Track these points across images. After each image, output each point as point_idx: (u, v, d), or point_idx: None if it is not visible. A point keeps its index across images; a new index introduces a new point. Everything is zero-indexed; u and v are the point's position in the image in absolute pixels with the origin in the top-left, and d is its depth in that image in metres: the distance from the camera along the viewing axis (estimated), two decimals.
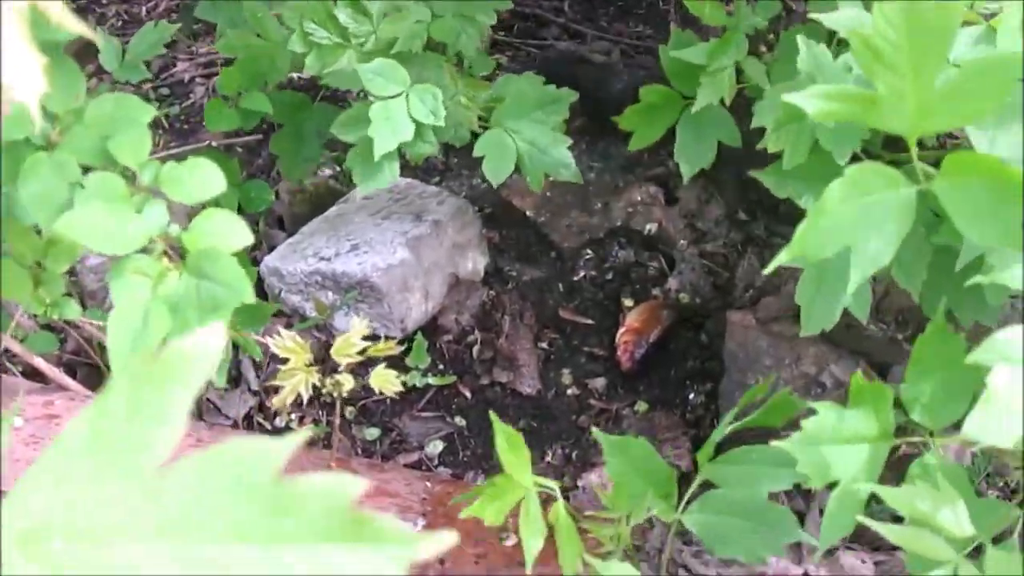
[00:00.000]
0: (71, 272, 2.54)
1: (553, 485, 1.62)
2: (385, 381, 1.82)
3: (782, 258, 1.13)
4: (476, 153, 2.27)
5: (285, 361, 1.80)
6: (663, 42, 2.18)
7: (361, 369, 2.09)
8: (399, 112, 2.10)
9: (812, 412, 1.40)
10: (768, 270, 1.16)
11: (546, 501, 1.65)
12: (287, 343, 1.76)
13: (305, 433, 0.59)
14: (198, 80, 3.52)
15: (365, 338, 1.85)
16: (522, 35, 3.57)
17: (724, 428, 1.69)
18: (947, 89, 1.06)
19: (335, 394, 1.83)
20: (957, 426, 1.19)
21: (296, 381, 1.77)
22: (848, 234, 1.12)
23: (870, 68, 1.07)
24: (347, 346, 1.78)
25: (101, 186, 1.32)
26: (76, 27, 0.76)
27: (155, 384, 0.57)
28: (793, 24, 2.24)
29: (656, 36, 3.59)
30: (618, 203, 2.86)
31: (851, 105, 1.14)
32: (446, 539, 0.57)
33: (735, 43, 1.98)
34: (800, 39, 1.63)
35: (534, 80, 2.40)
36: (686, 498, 1.64)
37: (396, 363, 2.59)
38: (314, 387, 1.82)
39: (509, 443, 1.59)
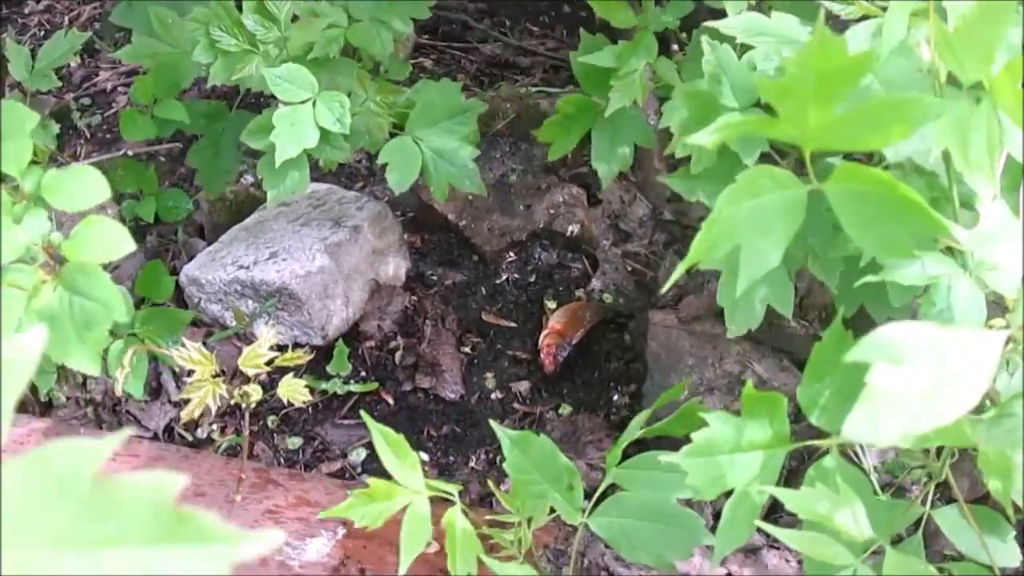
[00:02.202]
0: None
1: (452, 489, 1.60)
2: (293, 391, 1.80)
3: (682, 267, 1.12)
4: (380, 160, 2.25)
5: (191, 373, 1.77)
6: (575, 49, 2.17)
7: (279, 377, 2.07)
8: (305, 119, 2.08)
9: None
10: (670, 282, 1.15)
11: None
12: (192, 354, 1.73)
13: (124, 433, 0.57)
14: (120, 89, 3.48)
15: (279, 347, 1.83)
16: (447, 38, 3.55)
17: (632, 433, 1.67)
18: (844, 118, 1.06)
19: (243, 405, 1.80)
20: None
21: (203, 393, 1.74)
22: (738, 236, 1.11)
23: (774, 97, 1.07)
24: (254, 357, 1.75)
25: None
26: None
27: None
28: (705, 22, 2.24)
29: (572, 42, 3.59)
30: (541, 205, 2.85)
31: (753, 127, 1.13)
32: (272, 538, 0.55)
33: (644, 44, 1.97)
34: (704, 40, 1.62)
35: (449, 87, 2.38)
36: (593, 500, 1.62)
37: (317, 370, 2.57)
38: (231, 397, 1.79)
39: (390, 444, 1.55)
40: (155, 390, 2.54)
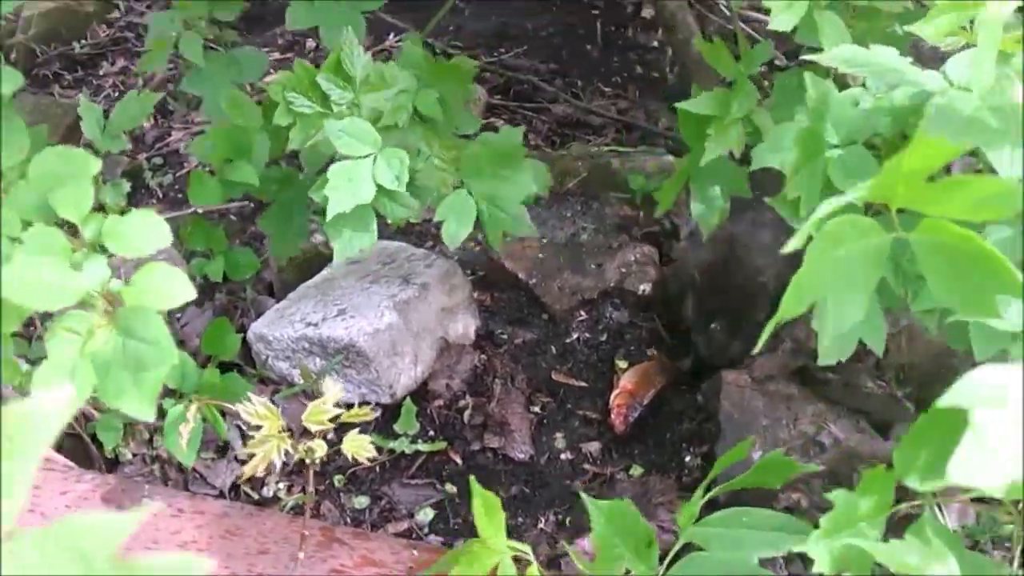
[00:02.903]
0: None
1: (527, 549, 1.56)
2: (358, 447, 1.77)
3: (771, 325, 1.08)
4: (437, 217, 2.22)
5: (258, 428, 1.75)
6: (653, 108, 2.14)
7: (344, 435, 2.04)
8: (362, 174, 2.06)
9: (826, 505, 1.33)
10: (760, 342, 1.11)
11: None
12: (258, 409, 1.71)
13: (154, 507, 0.54)
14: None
15: (347, 405, 1.80)
16: (518, 99, 3.55)
17: (704, 489, 1.62)
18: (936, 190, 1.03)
19: (307, 461, 1.77)
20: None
21: (268, 448, 1.71)
22: (823, 287, 1.08)
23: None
24: (319, 412, 1.72)
25: (39, 240, 1.28)
26: None
27: None
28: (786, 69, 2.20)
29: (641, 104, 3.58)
30: (612, 264, 2.82)
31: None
32: None
33: (744, 90, 1.91)
34: (808, 76, 1.59)
35: (511, 134, 2.34)
36: (667, 560, 1.57)
37: (384, 429, 2.54)
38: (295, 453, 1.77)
39: (486, 507, 1.53)
40: (221, 448, 2.53)
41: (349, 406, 2.50)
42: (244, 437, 2.53)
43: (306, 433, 1.85)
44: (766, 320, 1.01)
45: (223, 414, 2.23)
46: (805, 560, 2.17)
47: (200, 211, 2.61)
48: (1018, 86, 1.31)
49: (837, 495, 1.30)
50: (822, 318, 1.12)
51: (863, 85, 1.62)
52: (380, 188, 2.07)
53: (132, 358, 1.15)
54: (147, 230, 1.33)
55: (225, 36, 2.72)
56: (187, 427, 1.92)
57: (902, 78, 1.42)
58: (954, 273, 1.03)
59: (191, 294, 1.22)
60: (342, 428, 1.84)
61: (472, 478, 1.61)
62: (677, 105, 1.98)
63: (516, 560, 1.57)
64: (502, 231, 2.26)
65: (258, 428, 1.77)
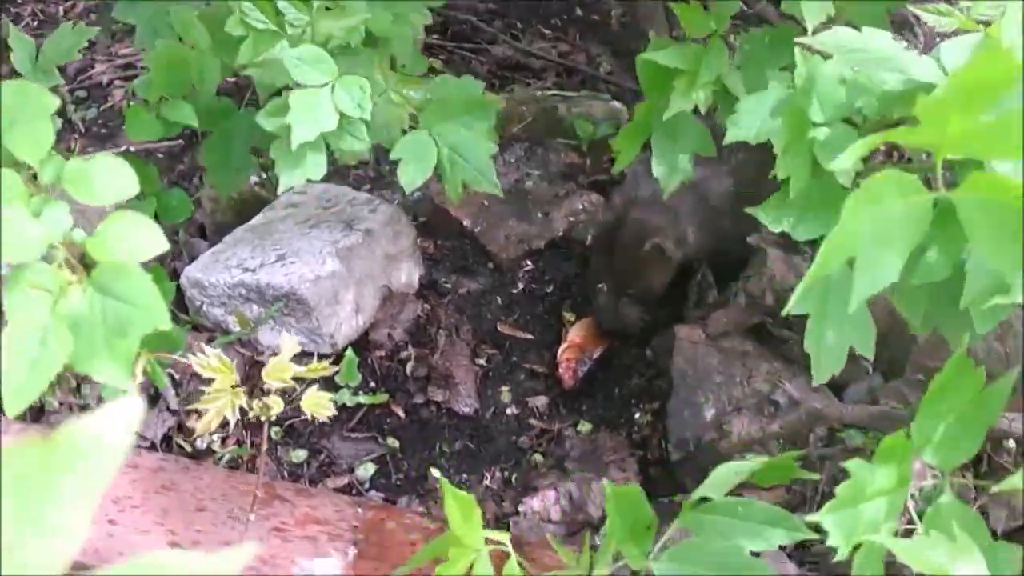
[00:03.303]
0: None
1: (505, 540, 1.48)
2: (318, 405, 1.68)
3: (803, 287, 1.01)
4: (394, 155, 2.12)
5: (208, 381, 1.64)
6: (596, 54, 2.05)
7: (289, 387, 1.94)
8: (323, 102, 1.96)
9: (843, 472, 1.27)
10: (792, 302, 1.03)
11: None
12: (211, 362, 1.60)
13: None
14: (117, 83, 3.35)
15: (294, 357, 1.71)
16: (456, 39, 3.44)
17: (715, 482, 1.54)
18: (988, 127, 0.95)
19: (263, 418, 1.67)
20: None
21: (221, 404, 1.61)
22: (855, 246, 1.00)
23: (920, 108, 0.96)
24: (279, 369, 1.62)
25: None
26: None
27: (48, 483, 0.42)
28: (751, 28, 2.12)
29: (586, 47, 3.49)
30: (559, 212, 2.74)
31: (894, 137, 1.03)
32: None
33: (717, 50, 1.82)
34: (797, 52, 1.52)
35: (468, 84, 2.27)
36: (659, 544, 1.49)
37: (325, 380, 2.44)
38: (240, 409, 1.67)
39: (460, 508, 1.45)
40: (153, 398, 2.41)
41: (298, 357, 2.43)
42: (176, 386, 2.41)
43: (252, 384, 1.76)
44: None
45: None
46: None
47: (131, 149, 2.47)
48: None
49: (852, 464, 1.23)
50: (855, 278, 1.04)
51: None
52: (341, 115, 1.98)
53: (113, 320, 1.04)
54: (112, 175, 1.21)
55: None
56: (135, 381, 1.81)
57: (895, 67, 1.36)
58: (1008, 235, 0.96)
59: (164, 245, 1.12)
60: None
61: (443, 481, 1.53)
62: (641, 56, 1.89)
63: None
64: (462, 183, 2.16)
65: (209, 381, 1.67)
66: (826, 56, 1.49)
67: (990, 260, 0.98)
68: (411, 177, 2.12)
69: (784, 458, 1.45)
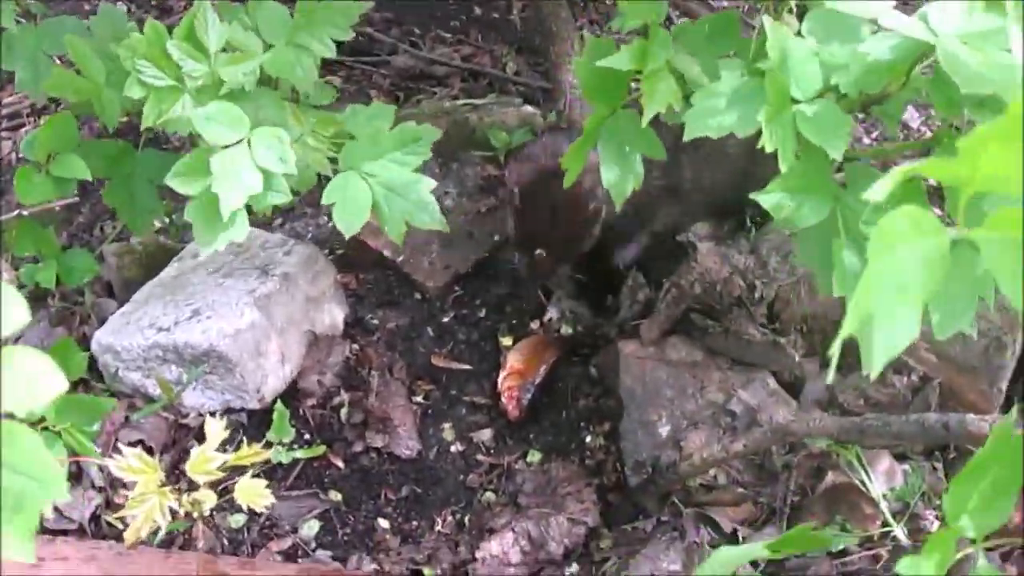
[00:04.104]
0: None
1: None
2: (254, 495, 1.54)
3: (836, 345, 0.89)
4: (325, 200, 1.98)
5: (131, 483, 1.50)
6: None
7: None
8: (243, 161, 1.82)
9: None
10: (830, 375, 0.92)
11: None
12: (132, 463, 1.46)
13: None
14: (3, 135, 3.16)
15: (211, 414, 1.58)
16: (354, 53, 3.29)
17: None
18: None
19: (195, 514, 1.53)
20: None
21: (149, 508, 1.47)
22: (872, 299, 0.88)
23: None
24: (204, 461, 1.49)
25: None
26: None
27: None
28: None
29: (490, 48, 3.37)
30: (483, 230, 2.61)
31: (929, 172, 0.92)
32: None
33: (660, 38, 1.67)
34: (767, 22, 1.41)
35: (382, 111, 2.14)
36: None
37: (256, 438, 2.31)
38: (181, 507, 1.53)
39: None
40: (75, 475, 2.25)
41: (213, 416, 2.28)
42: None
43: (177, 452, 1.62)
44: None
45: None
46: None
47: (25, 212, 2.30)
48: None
49: (905, 563, 1.11)
50: (868, 337, 0.92)
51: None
52: (265, 172, 1.86)
53: (8, 494, 0.89)
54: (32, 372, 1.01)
55: (32, 7, 2.43)
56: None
57: (885, 22, 1.25)
58: None
59: (63, 385, 0.95)
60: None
61: None
62: (583, 63, 1.74)
63: None
64: (404, 221, 2.03)
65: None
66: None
67: (1014, 301, 0.87)
68: (348, 222, 1.99)
69: (800, 530, 1.33)
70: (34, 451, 0.92)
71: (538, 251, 2.36)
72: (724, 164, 2.42)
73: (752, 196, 1.44)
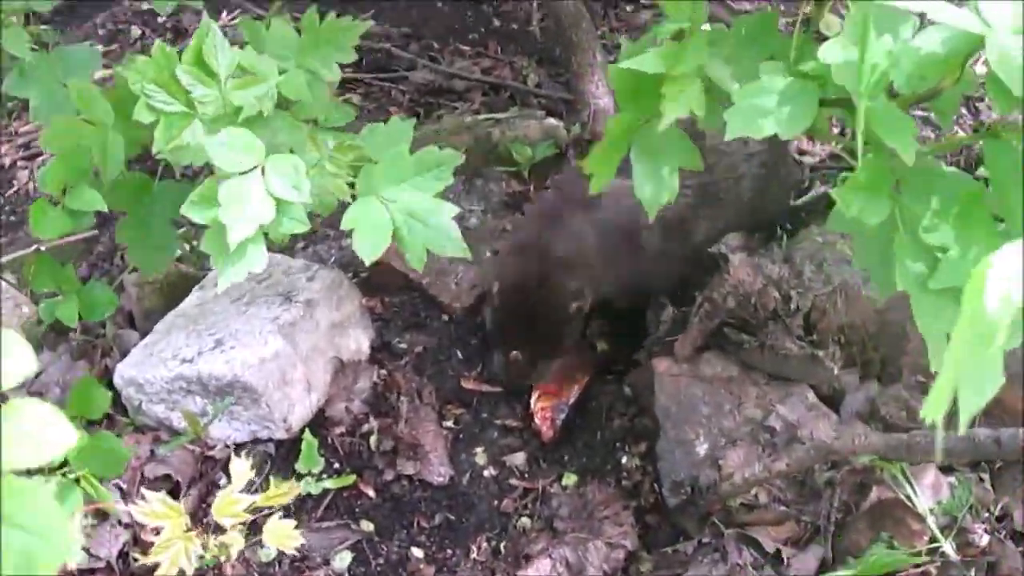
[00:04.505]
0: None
1: None
2: (284, 537, 1.49)
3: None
4: (344, 226, 1.92)
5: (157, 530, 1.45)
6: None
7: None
8: (254, 190, 1.77)
9: None
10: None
11: None
12: (156, 507, 1.41)
13: None
14: (20, 164, 3.13)
15: (238, 446, 1.52)
16: (373, 69, 3.24)
17: None
18: None
19: (223, 559, 1.48)
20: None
21: (174, 553, 1.42)
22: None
23: None
24: (230, 503, 1.43)
25: None
26: None
27: None
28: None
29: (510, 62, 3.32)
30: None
31: None
32: None
33: (696, 42, 1.59)
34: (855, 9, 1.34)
35: (401, 128, 2.08)
36: None
37: (284, 468, 2.26)
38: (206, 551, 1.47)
39: None
40: (102, 512, 2.20)
41: (240, 447, 2.23)
42: (125, 496, 2.21)
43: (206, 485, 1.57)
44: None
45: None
46: None
47: (43, 247, 2.25)
48: None
49: None
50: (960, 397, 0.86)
51: None
52: (278, 201, 1.81)
53: (15, 554, 0.84)
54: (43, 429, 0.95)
55: (44, 35, 2.39)
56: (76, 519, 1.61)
57: (936, 15, 1.18)
58: None
59: (71, 438, 0.90)
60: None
61: None
62: (614, 65, 1.66)
63: None
64: (425, 248, 1.97)
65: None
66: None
67: None
68: (368, 249, 1.93)
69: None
70: (43, 509, 0.86)
71: (513, 353, 2.33)
72: (734, 204, 2.40)
73: (832, 193, 1.38)
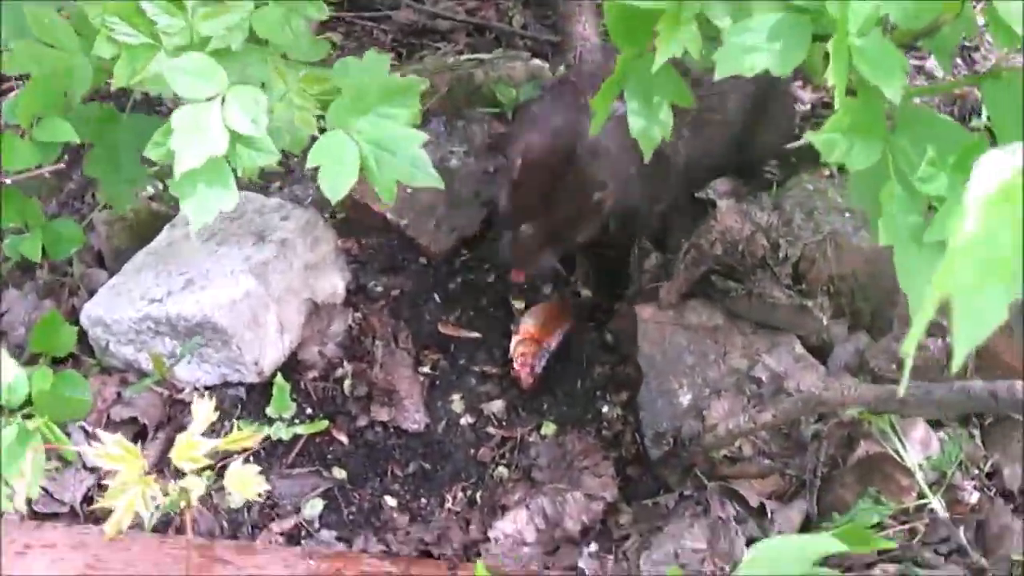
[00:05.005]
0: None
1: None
2: (246, 483, 1.42)
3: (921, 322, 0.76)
4: (310, 163, 1.85)
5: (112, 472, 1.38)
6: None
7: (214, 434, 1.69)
8: (210, 120, 1.70)
9: None
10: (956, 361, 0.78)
11: None
12: (113, 450, 1.34)
13: None
14: None
15: (207, 388, 1.45)
16: (354, 8, 3.16)
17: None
18: None
19: (183, 504, 1.42)
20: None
21: (130, 497, 1.36)
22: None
23: None
24: (190, 447, 1.36)
25: None
26: None
27: None
28: None
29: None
30: (490, 191, 2.48)
31: None
32: None
33: None
34: None
35: (375, 62, 2.00)
36: None
37: (255, 412, 2.19)
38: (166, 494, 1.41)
39: None
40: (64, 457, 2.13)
41: (210, 389, 2.17)
42: (89, 437, 2.15)
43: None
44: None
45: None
46: None
47: (9, 180, 2.18)
48: None
49: None
50: (955, 328, 0.80)
51: None
52: (233, 134, 1.72)
53: None
54: None
55: None
56: (28, 464, 1.54)
57: None
58: None
59: None
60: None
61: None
62: (611, 2, 1.59)
63: None
64: (396, 180, 1.89)
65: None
66: None
67: None
68: (334, 185, 1.84)
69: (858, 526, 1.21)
70: None
71: (524, 226, 2.21)
72: (718, 134, 2.32)
73: (806, 136, 1.32)
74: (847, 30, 1.25)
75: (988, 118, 1.30)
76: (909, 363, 0.73)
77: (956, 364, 0.75)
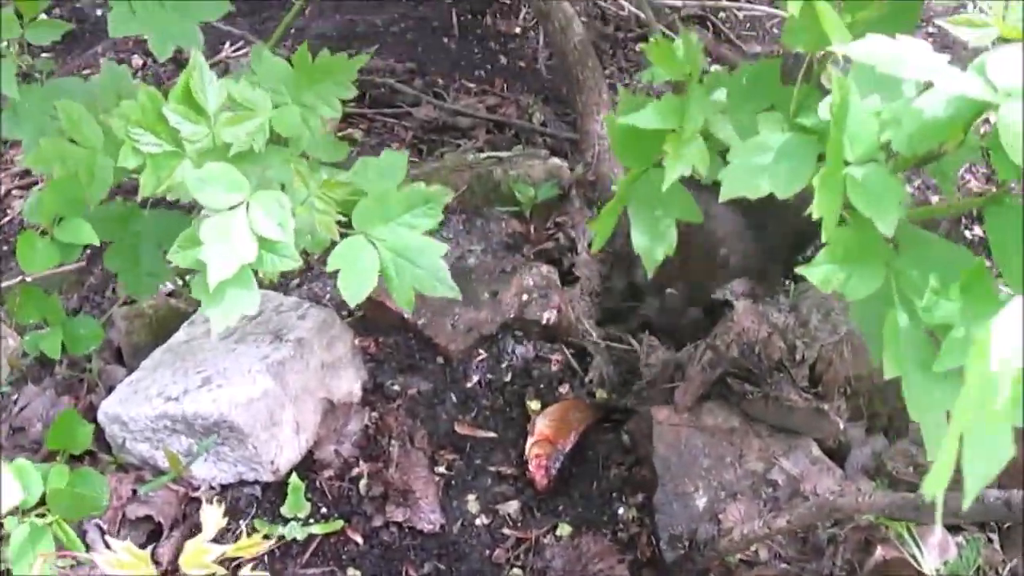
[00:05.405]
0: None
1: None
2: None
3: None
4: (330, 267, 1.86)
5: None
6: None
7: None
8: (238, 227, 1.71)
9: None
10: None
11: None
12: (122, 557, 1.35)
13: None
14: (15, 193, 3.08)
15: (223, 487, 1.45)
16: (376, 105, 3.19)
17: None
18: None
19: None
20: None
21: None
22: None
23: None
24: (199, 554, 1.37)
25: None
26: None
27: None
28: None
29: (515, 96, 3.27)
30: (508, 291, 2.49)
31: None
32: None
33: (698, 96, 1.53)
34: (832, 74, 1.27)
35: (395, 161, 2.02)
36: None
37: (270, 512, 2.19)
38: None
39: None
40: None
41: (225, 488, 2.17)
42: (105, 535, 2.15)
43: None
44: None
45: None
46: None
47: (28, 277, 2.20)
48: None
49: None
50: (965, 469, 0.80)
51: None
52: (259, 239, 1.74)
53: None
54: None
55: (41, 64, 2.33)
56: (37, 568, 1.54)
57: (938, 81, 1.11)
58: None
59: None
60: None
61: None
62: (613, 119, 1.60)
63: None
64: (413, 289, 1.90)
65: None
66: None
67: None
68: (354, 290, 1.85)
69: None
70: None
71: (669, 290, 2.38)
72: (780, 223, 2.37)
73: (798, 270, 1.31)
74: (842, 159, 1.24)
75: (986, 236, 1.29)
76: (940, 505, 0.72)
77: (967, 502, 0.75)
